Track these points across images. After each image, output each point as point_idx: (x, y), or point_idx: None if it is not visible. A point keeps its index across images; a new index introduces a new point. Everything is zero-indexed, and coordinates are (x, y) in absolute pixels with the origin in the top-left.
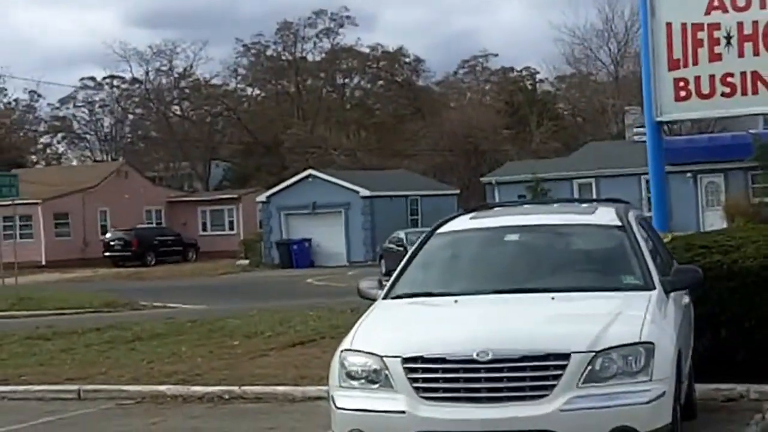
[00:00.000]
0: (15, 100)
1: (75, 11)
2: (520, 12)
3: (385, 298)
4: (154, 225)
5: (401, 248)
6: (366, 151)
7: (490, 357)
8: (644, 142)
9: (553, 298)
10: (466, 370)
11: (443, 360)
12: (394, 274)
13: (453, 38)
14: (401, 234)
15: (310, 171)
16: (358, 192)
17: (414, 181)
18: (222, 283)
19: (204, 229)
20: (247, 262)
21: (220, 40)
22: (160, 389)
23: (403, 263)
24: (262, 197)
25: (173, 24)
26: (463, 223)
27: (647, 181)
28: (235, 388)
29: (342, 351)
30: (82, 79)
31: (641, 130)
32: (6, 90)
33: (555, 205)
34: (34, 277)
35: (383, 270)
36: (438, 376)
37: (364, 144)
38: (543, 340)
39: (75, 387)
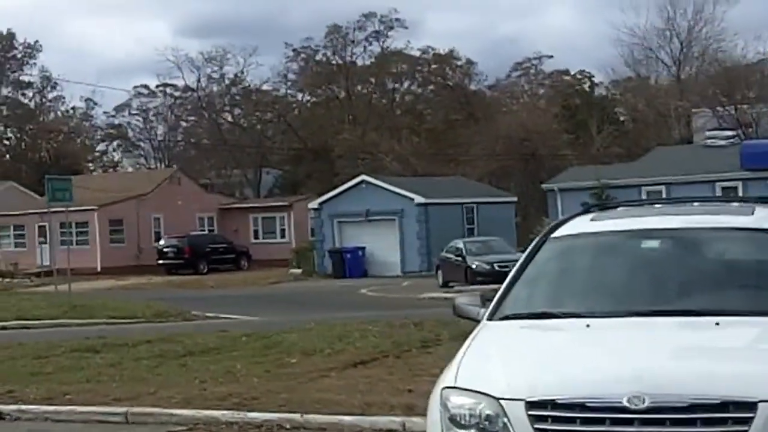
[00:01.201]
0: (72, 108)
1: (128, 22)
2: (573, 13)
3: (490, 318)
4: (206, 232)
5: (460, 258)
6: (418, 157)
7: (646, 405)
8: (718, 146)
9: (717, 324)
10: (613, 421)
11: (583, 407)
12: (501, 289)
13: (503, 41)
14: (459, 243)
15: (363, 177)
16: (412, 199)
17: (470, 188)
18: (274, 292)
19: (256, 237)
20: (299, 271)
21: (270, 47)
22: (215, 415)
23: (512, 275)
24: (313, 204)
25: (223, 32)
26: (584, 225)
27: (722, 188)
28: (297, 416)
29: (443, 389)
30: (136, 87)
31: (715, 133)
32: (64, 98)
33: (695, 204)
34: (89, 284)
35: (440, 281)
36: (576, 429)
37: (416, 149)
38: (717, 382)
39: (122, 409)
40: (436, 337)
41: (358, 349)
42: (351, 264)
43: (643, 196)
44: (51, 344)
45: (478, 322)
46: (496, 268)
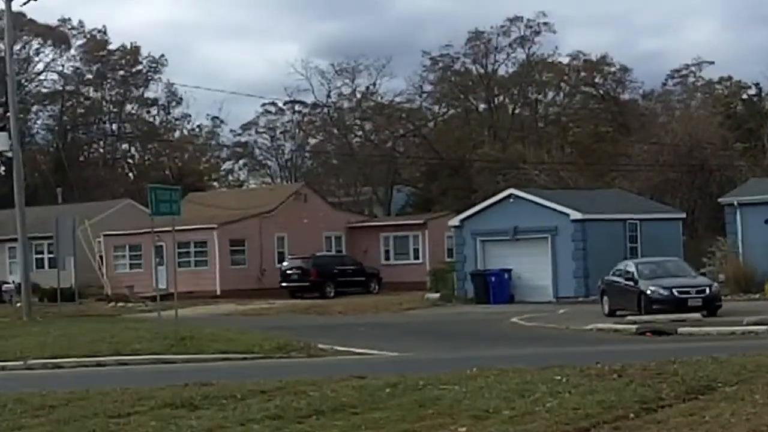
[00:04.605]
0: (198, 126)
1: (259, 45)
2: (733, 16)
3: None
4: (333, 253)
5: (631, 283)
6: (569, 169)
7: None
8: None
9: None
10: None
11: None
12: None
13: (652, 49)
14: (630, 265)
15: (511, 190)
16: (567, 215)
17: (631, 203)
18: (411, 320)
19: (387, 258)
20: (437, 295)
21: (405, 63)
22: None
23: None
24: (454, 221)
25: (357, 52)
26: None
27: None
28: None
29: None
30: (264, 104)
31: None
32: (190, 116)
33: None
34: (207, 309)
35: (605, 309)
36: None
37: (567, 161)
38: None
39: None
40: (657, 394)
41: (551, 413)
42: (495, 288)
43: None
44: (140, 394)
45: None
46: (676, 294)
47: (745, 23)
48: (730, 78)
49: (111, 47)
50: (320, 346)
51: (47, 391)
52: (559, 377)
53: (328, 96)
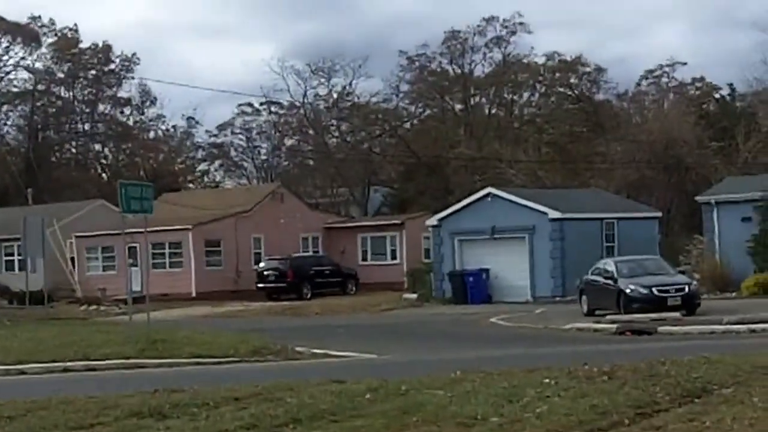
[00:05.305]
0: (173, 126)
1: (235, 46)
2: (705, 19)
3: None
4: (310, 253)
5: (610, 282)
6: (546, 169)
7: None
8: None
9: None
10: None
11: None
12: None
13: (629, 49)
14: (610, 264)
15: (489, 190)
16: (546, 214)
17: (608, 202)
18: (389, 321)
19: (364, 258)
20: (414, 296)
21: (381, 64)
22: None
23: None
24: (432, 221)
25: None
26: None
27: None
28: None
29: None
30: (240, 105)
31: None
32: (164, 117)
33: None
34: (182, 311)
35: (584, 309)
36: None
37: (544, 161)
38: None
39: None
40: (651, 398)
41: (542, 420)
42: (473, 288)
43: None
44: (105, 402)
45: None
46: (655, 293)
47: (717, 26)
48: (702, 79)
49: (82, 46)
50: (297, 348)
51: (7, 400)
52: (547, 380)
53: (305, 96)
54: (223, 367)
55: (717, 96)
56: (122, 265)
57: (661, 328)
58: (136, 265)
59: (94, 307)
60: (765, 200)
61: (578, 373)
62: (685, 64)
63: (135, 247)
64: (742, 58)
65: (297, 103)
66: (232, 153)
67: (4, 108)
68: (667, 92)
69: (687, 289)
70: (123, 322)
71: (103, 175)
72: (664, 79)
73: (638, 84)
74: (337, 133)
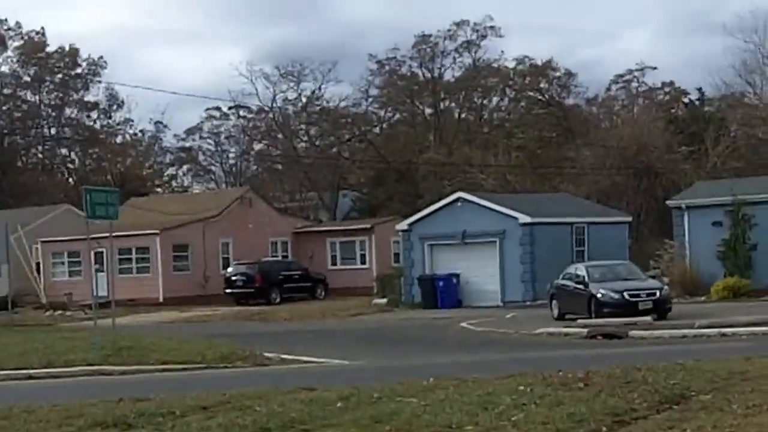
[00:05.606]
0: (141, 131)
1: (203, 50)
2: (674, 24)
3: None
4: (279, 258)
5: (581, 286)
6: (516, 173)
7: None
8: None
9: None
10: None
11: None
12: None
13: (599, 54)
14: (581, 269)
15: (459, 194)
16: (516, 218)
17: (578, 207)
18: (359, 326)
19: (333, 263)
20: (384, 301)
21: (351, 68)
22: None
23: None
24: (402, 225)
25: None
26: None
27: None
28: None
29: None
30: (208, 109)
31: None
32: (132, 121)
33: None
34: (149, 317)
35: (554, 314)
36: None
37: (514, 165)
38: None
39: None
40: (628, 405)
41: (518, 429)
42: (443, 293)
43: None
44: (68, 411)
45: None
46: (626, 297)
47: (686, 30)
48: (672, 83)
49: (49, 49)
50: (266, 354)
51: None
52: (522, 387)
53: (273, 100)
54: (190, 373)
55: (686, 101)
56: (88, 271)
57: (632, 333)
58: (102, 271)
59: (60, 312)
60: (733, 205)
61: (553, 380)
62: (655, 68)
63: (101, 253)
64: (711, 63)
65: (266, 108)
66: (201, 157)
67: None
68: (637, 97)
69: (658, 294)
70: (88, 327)
71: (70, 179)
72: (634, 84)
73: (608, 89)
74: (306, 138)
